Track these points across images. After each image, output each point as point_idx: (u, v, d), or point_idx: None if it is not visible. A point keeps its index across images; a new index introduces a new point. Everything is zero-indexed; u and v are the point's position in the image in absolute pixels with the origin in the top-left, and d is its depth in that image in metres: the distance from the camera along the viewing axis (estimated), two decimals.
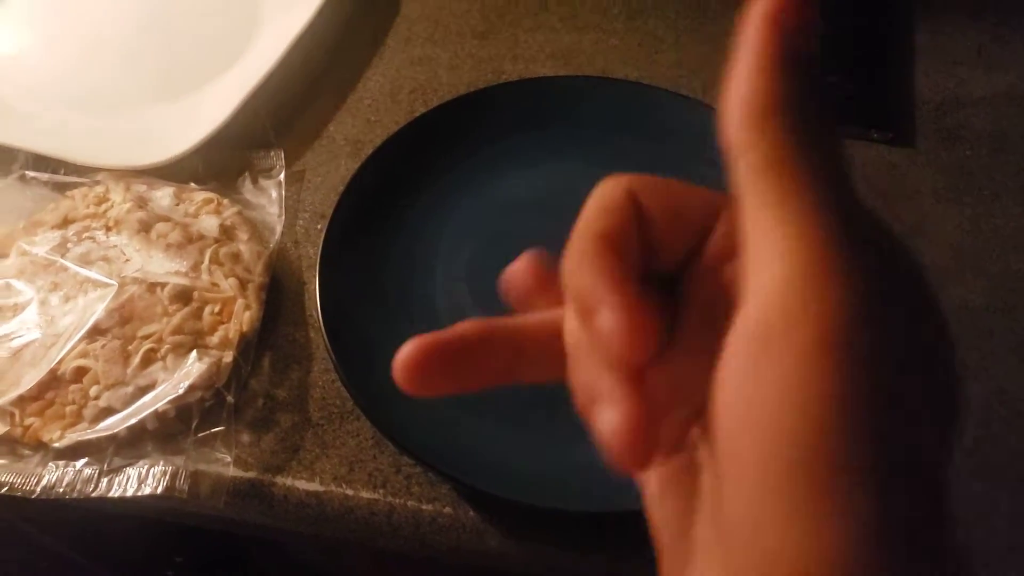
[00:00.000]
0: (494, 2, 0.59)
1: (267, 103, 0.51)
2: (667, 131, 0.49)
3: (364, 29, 0.58)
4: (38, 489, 0.37)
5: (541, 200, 0.48)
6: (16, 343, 0.40)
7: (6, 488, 0.37)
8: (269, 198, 0.48)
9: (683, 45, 0.56)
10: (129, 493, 0.36)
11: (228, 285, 0.42)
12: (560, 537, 0.37)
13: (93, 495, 0.36)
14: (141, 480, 0.37)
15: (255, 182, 0.49)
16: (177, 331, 0.40)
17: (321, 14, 0.54)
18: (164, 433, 0.39)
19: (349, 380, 0.39)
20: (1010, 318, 0.43)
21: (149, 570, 0.79)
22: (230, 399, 0.40)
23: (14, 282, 0.42)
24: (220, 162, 0.49)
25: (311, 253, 0.46)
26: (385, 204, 0.47)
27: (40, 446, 0.38)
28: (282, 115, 0.52)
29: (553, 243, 0.47)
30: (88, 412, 0.39)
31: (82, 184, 0.47)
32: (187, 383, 0.39)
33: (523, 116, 0.50)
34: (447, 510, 0.38)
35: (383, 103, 0.54)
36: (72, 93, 0.53)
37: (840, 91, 0.52)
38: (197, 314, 0.41)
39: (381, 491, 0.38)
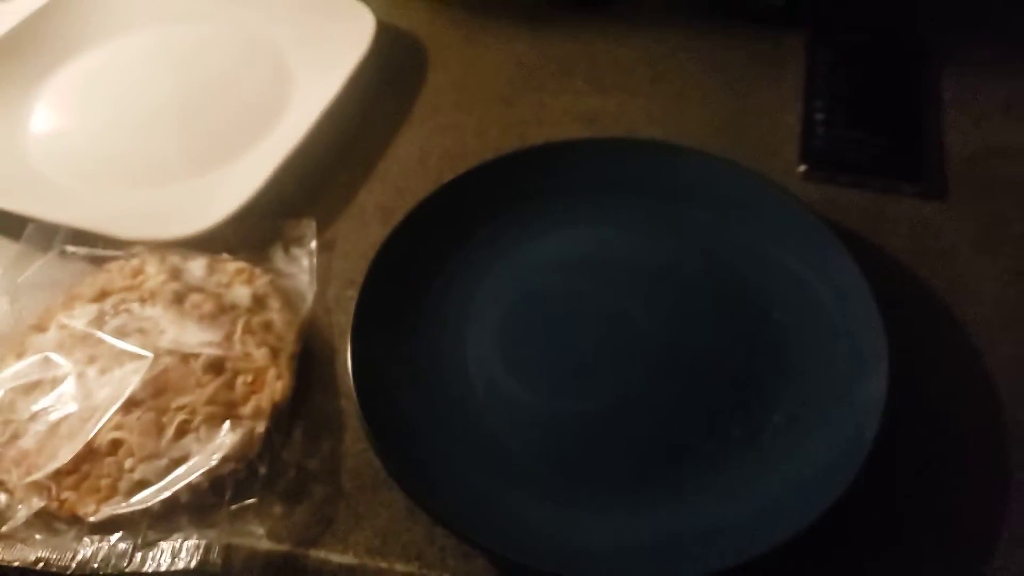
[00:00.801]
0: (519, 68, 0.61)
1: (297, 173, 0.52)
2: (696, 190, 0.49)
3: (392, 99, 0.59)
4: (73, 565, 0.37)
5: (570, 262, 0.48)
6: (54, 416, 0.41)
7: (42, 564, 0.36)
8: (300, 267, 0.49)
9: (709, 103, 0.56)
10: (163, 568, 0.36)
11: (260, 355, 0.43)
12: None
13: (127, 570, 0.36)
14: (175, 554, 0.37)
15: (286, 251, 0.49)
16: (211, 402, 0.41)
17: (350, 86, 0.56)
18: (197, 505, 0.39)
19: (381, 449, 0.38)
20: None
21: None
22: (263, 470, 0.39)
23: (53, 356, 0.43)
24: (252, 232, 0.50)
25: (342, 321, 0.47)
26: (415, 270, 0.47)
27: (75, 520, 0.38)
28: (312, 184, 0.53)
29: (581, 305, 0.47)
30: (123, 485, 0.39)
31: (119, 257, 0.48)
32: (220, 454, 0.39)
33: (550, 179, 0.50)
34: None
35: (412, 170, 0.55)
36: (109, 168, 0.55)
37: (869, 145, 0.52)
38: (230, 384, 0.42)
39: (416, 563, 0.37)
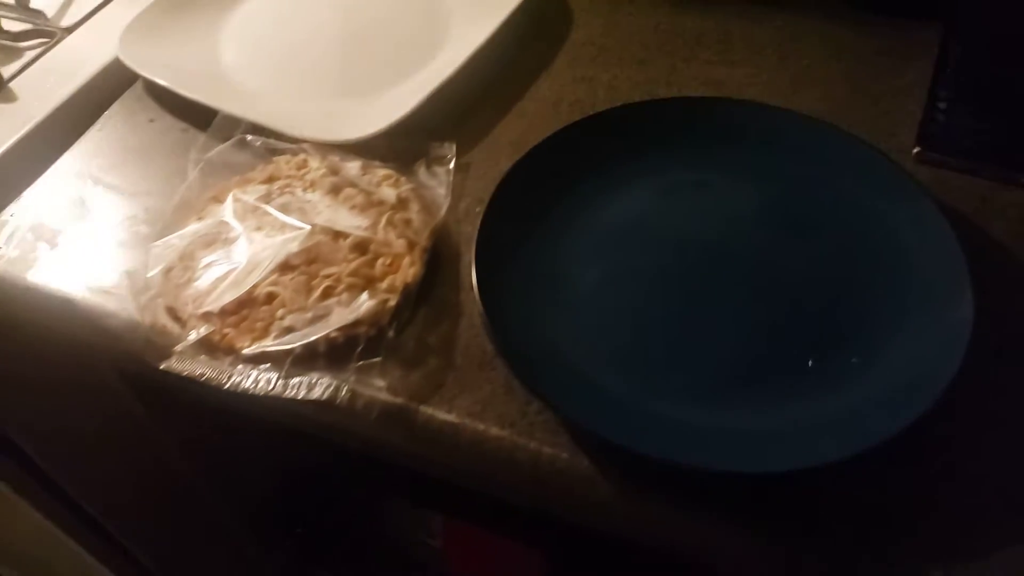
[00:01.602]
0: (655, 34, 0.65)
1: (446, 102, 0.59)
2: (794, 146, 0.53)
3: (536, 48, 0.65)
4: (228, 382, 0.44)
5: (678, 199, 0.52)
6: (224, 268, 0.48)
7: (204, 378, 0.44)
8: (439, 181, 0.55)
9: (832, 82, 0.59)
10: (300, 396, 0.43)
11: (399, 244, 0.49)
12: (668, 495, 0.40)
13: (271, 393, 0.43)
14: (310, 387, 0.43)
15: (428, 167, 0.56)
16: (354, 274, 0.47)
17: (501, 31, 0.62)
18: (332, 356, 0.45)
19: (494, 329, 0.44)
20: None
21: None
22: (391, 334, 0.46)
23: (228, 219, 0.50)
24: (402, 147, 0.56)
25: (469, 231, 0.52)
26: (535, 196, 0.52)
27: (232, 352, 0.46)
28: (457, 114, 0.60)
29: (687, 232, 0.51)
30: (273, 328, 0.46)
31: (288, 151, 0.56)
32: (356, 315, 0.46)
33: (671, 131, 0.55)
34: (564, 455, 0.42)
35: (545, 112, 0.60)
36: (287, 78, 0.63)
37: (988, 135, 0.54)
38: (371, 263, 0.48)
39: (508, 430, 0.43)
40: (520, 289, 0.48)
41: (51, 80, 0.64)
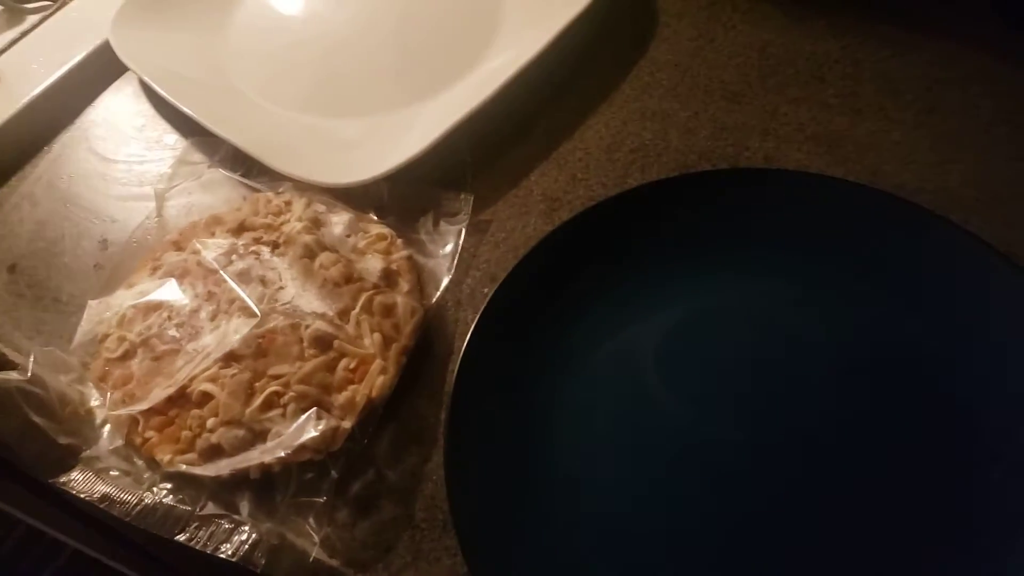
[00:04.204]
0: (760, 60, 0.50)
1: (472, 137, 0.47)
2: (923, 266, 0.38)
3: (599, 68, 0.51)
4: (133, 513, 0.36)
5: (739, 318, 0.39)
6: (161, 348, 0.40)
7: (106, 503, 0.36)
8: (445, 244, 0.44)
9: (988, 160, 0.43)
10: (208, 550, 0.34)
11: (371, 341, 0.39)
12: None
13: (176, 539, 0.35)
14: (221, 539, 0.35)
15: (436, 224, 0.45)
16: (305, 380, 0.38)
17: (554, 45, 0.48)
18: (263, 486, 0.36)
19: (455, 508, 0.33)
20: None
21: None
22: (334, 473, 0.36)
23: (177, 285, 0.41)
24: (407, 195, 0.45)
25: (469, 319, 0.42)
26: (560, 287, 0.40)
27: (151, 462, 0.38)
28: (484, 154, 0.48)
29: (746, 374, 0.36)
30: (200, 443, 0.37)
31: (271, 187, 0.46)
32: (299, 442, 0.36)
33: (750, 213, 0.41)
34: None
35: (596, 159, 0.47)
36: (292, 88, 0.52)
37: None
38: (331, 366, 0.38)
39: None
40: (507, 441, 0.37)
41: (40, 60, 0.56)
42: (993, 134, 0.44)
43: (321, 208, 0.44)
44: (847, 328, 0.38)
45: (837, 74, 0.49)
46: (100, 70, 0.55)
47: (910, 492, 0.33)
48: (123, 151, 0.52)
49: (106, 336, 0.41)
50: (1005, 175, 0.42)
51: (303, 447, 0.36)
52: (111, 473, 0.37)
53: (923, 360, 0.36)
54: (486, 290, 0.42)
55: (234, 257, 0.42)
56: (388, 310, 0.40)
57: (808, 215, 0.40)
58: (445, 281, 0.42)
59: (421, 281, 0.43)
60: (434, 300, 0.42)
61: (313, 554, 0.35)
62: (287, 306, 0.40)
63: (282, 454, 0.36)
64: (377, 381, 0.38)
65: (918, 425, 0.34)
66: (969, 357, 0.36)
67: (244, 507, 0.36)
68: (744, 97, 0.49)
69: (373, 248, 0.43)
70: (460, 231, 0.44)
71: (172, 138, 0.52)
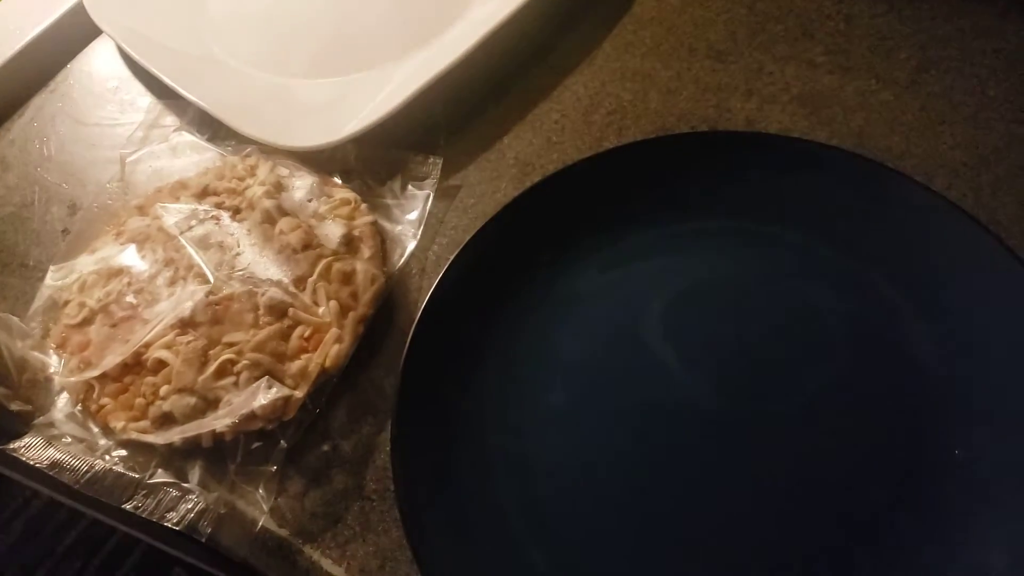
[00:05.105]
0: (748, 16, 0.48)
1: (446, 99, 0.45)
2: (897, 241, 0.36)
3: (580, 25, 0.49)
4: (82, 480, 0.36)
5: (710, 288, 0.38)
6: (120, 313, 0.39)
7: (56, 470, 0.36)
8: (412, 208, 0.43)
9: (984, 122, 0.41)
10: (154, 517, 0.34)
11: (327, 309, 0.38)
12: None
13: (123, 506, 0.34)
14: (168, 508, 0.34)
15: (404, 188, 0.43)
16: (259, 348, 0.37)
17: (533, 4, 0.46)
18: (215, 455, 0.36)
19: (402, 482, 0.33)
20: None
21: None
22: (283, 443, 0.36)
23: (138, 250, 0.41)
24: (374, 159, 0.44)
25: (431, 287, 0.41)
26: (520, 259, 0.39)
27: (106, 429, 0.37)
28: (457, 116, 0.46)
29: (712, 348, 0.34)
30: (152, 411, 0.37)
31: (237, 151, 0.45)
32: (249, 410, 0.36)
33: (728, 178, 0.39)
34: None
35: (573, 121, 0.45)
36: (255, 53, 0.51)
37: None
38: (285, 334, 0.38)
39: None
40: (458, 414, 0.36)
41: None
42: (988, 94, 0.41)
43: (285, 172, 0.43)
44: (819, 299, 0.36)
45: (828, 31, 0.46)
46: (75, 31, 0.54)
47: (874, 468, 0.32)
48: (96, 114, 0.52)
49: (67, 302, 0.41)
50: (996, 139, 0.40)
51: (254, 416, 0.36)
52: (64, 440, 0.37)
53: (901, 334, 0.34)
54: (451, 257, 0.41)
55: (194, 223, 0.41)
56: (347, 277, 0.39)
57: (786, 181, 0.38)
58: (410, 247, 0.41)
59: (385, 248, 0.42)
60: (397, 267, 0.41)
61: (261, 522, 0.35)
62: (243, 272, 0.39)
63: (232, 422, 0.35)
64: (332, 350, 0.37)
65: (889, 402, 0.33)
66: (950, 330, 0.34)
67: (194, 475, 0.36)
68: (729, 56, 0.47)
69: (336, 213, 0.41)
70: (428, 196, 0.43)
71: (146, 101, 0.51)
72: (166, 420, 0.36)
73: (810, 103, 0.43)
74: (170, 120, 0.48)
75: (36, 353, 0.39)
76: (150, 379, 0.37)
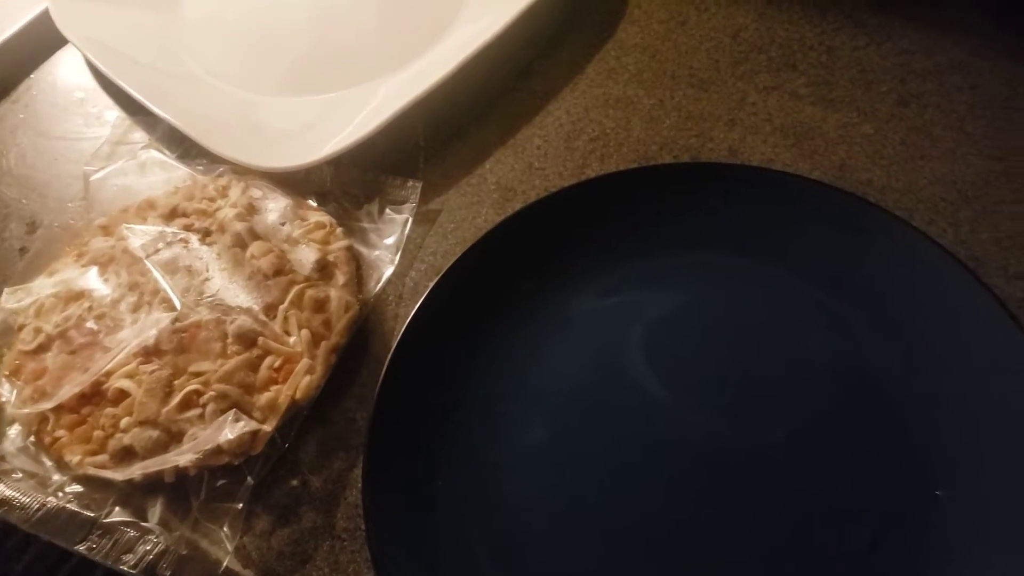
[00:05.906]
0: (732, 46, 0.48)
1: (427, 122, 0.44)
2: (878, 271, 0.36)
3: (564, 50, 0.49)
4: (33, 519, 0.34)
5: (688, 314, 0.37)
6: (79, 340, 0.38)
7: (3, 508, 0.34)
8: (389, 233, 0.41)
9: (963, 157, 0.41)
10: (108, 560, 0.32)
11: (298, 339, 0.37)
12: None
13: (77, 547, 0.33)
14: (125, 549, 0.33)
15: (381, 212, 0.42)
16: (226, 379, 0.35)
17: (518, 24, 0.46)
18: (177, 491, 0.34)
19: (371, 522, 0.31)
20: None
21: None
22: (250, 480, 0.34)
23: (100, 274, 0.39)
24: (351, 181, 0.43)
25: (411, 315, 0.39)
26: (500, 287, 0.38)
27: (61, 463, 0.35)
28: (439, 137, 0.45)
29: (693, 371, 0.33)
30: (112, 444, 0.35)
31: (208, 170, 0.43)
32: (214, 444, 0.34)
33: (708, 209, 0.39)
34: None
35: (555, 147, 0.45)
36: (243, 60, 0.50)
37: None
38: (254, 365, 0.36)
39: None
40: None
41: None
42: (967, 130, 0.41)
43: (258, 194, 0.42)
44: (802, 335, 0.36)
45: (811, 62, 0.46)
46: (40, 40, 0.52)
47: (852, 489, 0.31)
48: (60, 127, 0.50)
49: (22, 326, 0.39)
50: (974, 175, 0.40)
51: (220, 450, 0.34)
52: (14, 476, 0.35)
53: (879, 367, 0.34)
54: (431, 284, 0.40)
55: (161, 245, 0.39)
56: (320, 305, 0.38)
57: (767, 213, 0.38)
58: (387, 274, 0.40)
59: (361, 274, 0.40)
60: (373, 294, 0.40)
61: (225, 563, 0.33)
62: (212, 299, 0.37)
63: (196, 457, 0.34)
64: (302, 382, 0.36)
65: (866, 429, 0.32)
66: (926, 364, 0.33)
67: (155, 514, 0.34)
68: (712, 84, 0.46)
69: (310, 237, 0.40)
70: (406, 220, 0.42)
71: (114, 115, 0.50)
72: (126, 454, 0.35)
73: (792, 134, 0.43)
74: (139, 136, 0.47)
75: None
76: (110, 410, 0.35)
